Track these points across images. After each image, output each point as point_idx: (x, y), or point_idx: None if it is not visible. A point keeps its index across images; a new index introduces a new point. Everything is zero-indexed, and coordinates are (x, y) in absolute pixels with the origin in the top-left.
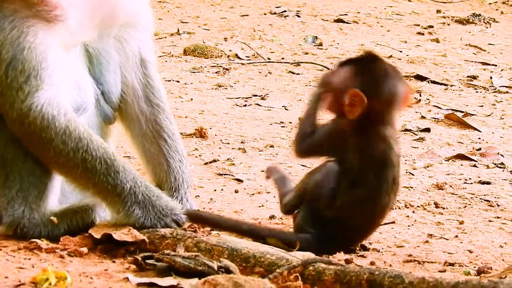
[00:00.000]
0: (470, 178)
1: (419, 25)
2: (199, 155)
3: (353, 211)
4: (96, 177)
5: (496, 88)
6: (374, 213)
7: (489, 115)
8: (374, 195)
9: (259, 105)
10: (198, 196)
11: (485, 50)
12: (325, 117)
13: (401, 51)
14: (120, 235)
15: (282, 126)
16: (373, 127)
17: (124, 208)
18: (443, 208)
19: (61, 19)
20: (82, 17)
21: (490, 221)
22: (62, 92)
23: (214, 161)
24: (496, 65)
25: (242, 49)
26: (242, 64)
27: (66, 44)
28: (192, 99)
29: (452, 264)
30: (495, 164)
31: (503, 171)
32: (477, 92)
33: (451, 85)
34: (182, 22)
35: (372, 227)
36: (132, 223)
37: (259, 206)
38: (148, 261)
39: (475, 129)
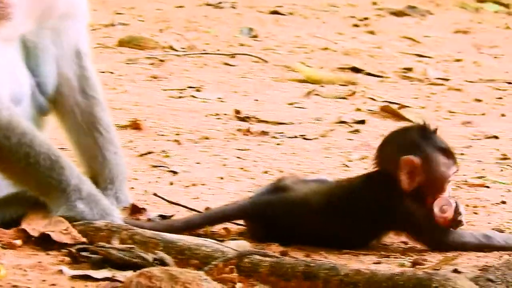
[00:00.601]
0: None
1: (354, 17)
2: (134, 147)
3: None
4: (40, 173)
5: (431, 80)
6: None
7: (424, 107)
8: None
9: (195, 97)
10: (133, 188)
11: (420, 42)
12: None
13: (336, 43)
14: (58, 235)
15: (218, 118)
16: None
17: (67, 203)
18: None
19: (10, 17)
20: (22, 10)
21: None
22: (2, 86)
23: (149, 153)
24: (431, 57)
25: (177, 40)
26: (178, 55)
27: (3, 37)
28: (127, 90)
29: (387, 256)
30: None
31: None
32: (412, 84)
33: (386, 77)
34: (117, 13)
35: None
36: (73, 216)
37: (194, 198)
38: (82, 253)
39: (410, 121)
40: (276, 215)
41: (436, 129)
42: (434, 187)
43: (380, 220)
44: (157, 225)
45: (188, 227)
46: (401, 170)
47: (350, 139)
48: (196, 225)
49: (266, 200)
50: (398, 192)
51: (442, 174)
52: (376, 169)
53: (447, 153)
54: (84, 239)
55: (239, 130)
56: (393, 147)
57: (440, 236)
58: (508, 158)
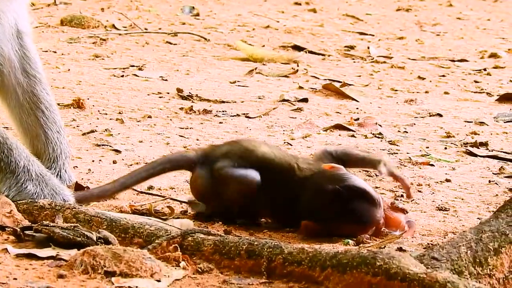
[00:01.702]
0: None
1: None
2: (77, 126)
3: None
4: None
5: (373, 58)
6: None
7: (367, 85)
8: None
9: (137, 76)
10: (76, 167)
11: (362, 20)
12: None
13: (278, 21)
14: (1, 218)
15: (160, 97)
16: None
17: (17, 185)
18: None
19: None
20: None
21: None
22: None
23: (92, 131)
24: (373, 35)
25: (119, 19)
26: (119, 34)
27: None
28: (69, 69)
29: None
30: (373, 134)
31: (381, 141)
32: (354, 62)
33: (329, 55)
34: None
35: None
36: (23, 199)
37: None
38: (27, 232)
39: (353, 99)
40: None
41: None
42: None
43: None
44: (107, 187)
45: (135, 180)
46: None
47: (293, 117)
48: (143, 178)
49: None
50: None
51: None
52: None
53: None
54: (26, 222)
55: (181, 108)
56: None
57: None
58: (452, 136)
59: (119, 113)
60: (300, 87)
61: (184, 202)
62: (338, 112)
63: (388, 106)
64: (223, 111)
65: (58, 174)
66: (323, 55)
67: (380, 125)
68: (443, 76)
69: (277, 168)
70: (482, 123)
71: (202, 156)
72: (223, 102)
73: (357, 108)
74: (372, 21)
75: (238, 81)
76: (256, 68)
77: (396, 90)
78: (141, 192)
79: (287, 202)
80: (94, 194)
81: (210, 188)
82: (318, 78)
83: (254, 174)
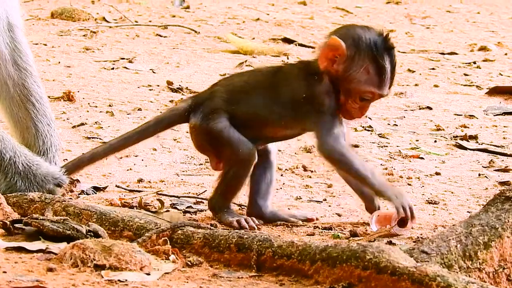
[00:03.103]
0: None
1: None
2: (67, 119)
3: None
4: None
5: None
6: None
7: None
8: None
9: (127, 68)
10: (66, 159)
11: (352, 13)
12: None
13: (268, 14)
14: None
15: (150, 89)
16: None
17: (5, 179)
18: (311, 171)
19: None
20: None
21: None
22: None
23: (82, 124)
24: None
25: (110, 12)
26: (110, 27)
27: None
28: (59, 62)
29: (320, 228)
30: (363, 127)
31: (371, 134)
32: None
33: None
34: None
35: None
36: (10, 190)
37: (127, 170)
38: (16, 225)
39: None
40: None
41: (392, 46)
42: (348, 89)
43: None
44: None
45: (125, 143)
46: (325, 47)
47: None
48: (134, 140)
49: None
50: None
51: (357, 81)
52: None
53: (380, 69)
54: (16, 215)
55: (171, 101)
56: (341, 32)
57: (332, 133)
58: (442, 129)
59: (109, 105)
60: None
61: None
62: None
63: None
64: None
65: None
66: (313, 47)
67: (370, 118)
68: (433, 69)
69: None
70: (471, 116)
71: (193, 103)
72: None
73: None
74: (362, 14)
75: (228, 74)
76: (246, 61)
77: None
78: (131, 191)
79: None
80: (85, 159)
81: (208, 142)
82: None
83: (249, 145)
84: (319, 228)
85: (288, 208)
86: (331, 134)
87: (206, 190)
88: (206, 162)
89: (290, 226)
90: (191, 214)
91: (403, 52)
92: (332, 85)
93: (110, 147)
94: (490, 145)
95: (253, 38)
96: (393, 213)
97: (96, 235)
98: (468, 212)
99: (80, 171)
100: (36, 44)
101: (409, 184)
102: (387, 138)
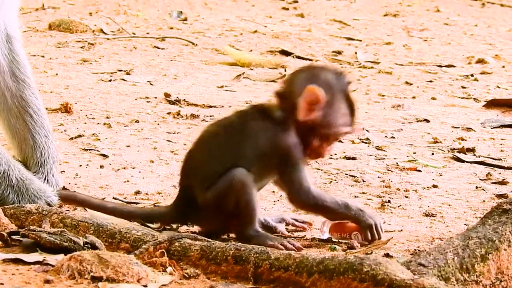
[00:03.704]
0: (335, 154)
1: (284, 0)
2: (65, 130)
3: None
4: None
5: (360, 63)
6: None
7: (354, 90)
8: None
9: (124, 80)
10: (64, 171)
11: (349, 25)
12: None
13: (266, 26)
14: None
15: (148, 101)
16: None
17: None
18: None
19: None
20: None
21: (355, 196)
22: None
23: (80, 136)
24: (360, 40)
25: (107, 23)
26: (107, 39)
27: None
28: (57, 74)
29: (318, 240)
30: (360, 139)
31: (368, 146)
32: (342, 67)
33: (316, 60)
34: None
35: None
36: (4, 203)
37: (125, 182)
38: (14, 236)
39: None
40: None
41: (351, 82)
42: (325, 134)
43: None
44: (89, 199)
45: (119, 213)
46: (304, 97)
47: None
48: (123, 216)
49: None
50: (287, 123)
51: (337, 124)
52: (278, 93)
53: (351, 108)
54: (13, 226)
55: (169, 113)
56: (306, 76)
57: (302, 186)
58: (439, 142)
59: (107, 117)
60: None
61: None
62: None
63: (376, 111)
64: (210, 116)
65: (45, 178)
66: (310, 60)
67: (367, 131)
68: (430, 81)
69: None
70: (469, 129)
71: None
72: (211, 106)
73: None
74: (359, 26)
75: (225, 86)
76: (243, 73)
77: (383, 96)
78: (128, 203)
79: None
80: (78, 198)
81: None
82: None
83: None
84: (316, 240)
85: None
86: (302, 188)
87: None
88: None
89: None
90: (188, 226)
91: (401, 65)
92: (300, 131)
93: (104, 206)
94: (488, 157)
95: (251, 50)
96: (349, 224)
97: (93, 247)
98: (465, 224)
99: (68, 204)
100: (34, 55)
101: (407, 197)
102: (384, 151)
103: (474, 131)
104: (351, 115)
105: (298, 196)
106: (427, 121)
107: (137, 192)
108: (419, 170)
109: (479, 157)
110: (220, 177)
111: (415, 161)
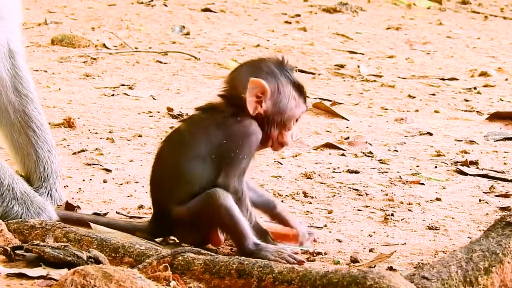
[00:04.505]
0: (338, 167)
1: (286, 14)
2: (68, 145)
3: None
4: None
5: (363, 76)
6: None
7: (357, 103)
8: None
9: (127, 95)
10: (67, 186)
11: (352, 39)
12: None
13: (268, 40)
14: None
15: (150, 116)
16: None
17: (2, 204)
18: (312, 197)
19: None
20: None
21: (359, 210)
22: None
23: (83, 151)
24: (363, 54)
25: (110, 38)
26: (110, 53)
27: None
28: (60, 89)
29: (321, 253)
30: (363, 153)
31: (371, 160)
32: (344, 81)
33: (319, 74)
34: (50, 12)
35: None
36: (8, 216)
37: (128, 196)
38: (17, 251)
39: (343, 118)
40: None
41: (295, 67)
42: (281, 121)
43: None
44: (86, 216)
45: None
46: (249, 92)
47: None
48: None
49: None
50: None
51: (290, 109)
52: (222, 93)
53: (300, 90)
54: (17, 241)
55: (171, 127)
56: (246, 71)
57: (237, 176)
58: (442, 155)
59: (110, 132)
60: None
61: None
62: (328, 131)
63: (378, 124)
64: None
65: (48, 193)
66: (313, 73)
67: (370, 144)
68: (433, 94)
69: None
70: (472, 142)
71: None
72: None
73: (347, 127)
74: (362, 39)
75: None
76: None
77: (386, 109)
78: (131, 217)
79: None
80: (73, 217)
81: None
82: (308, 97)
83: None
84: (319, 254)
85: None
86: (236, 178)
87: None
88: None
89: None
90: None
91: (404, 78)
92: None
93: (97, 220)
94: (491, 170)
95: None
96: (287, 231)
97: (97, 261)
98: (468, 237)
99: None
100: (37, 70)
101: (410, 210)
102: (387, 164)
103: (477, 144)
104: (300, 95)
105: (227, 183)
106: (430, 134)
107: (140, 207)
108: (422, 183)
109: (482, 170)
110: (192, 186)
111: (418, 174)
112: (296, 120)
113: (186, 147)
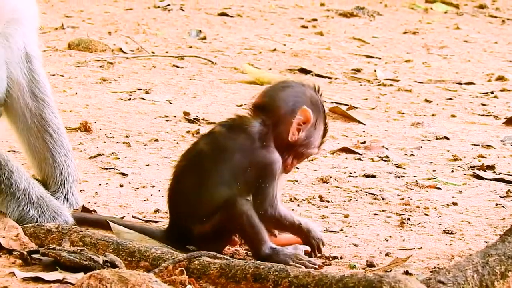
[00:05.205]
0: (355, 172)
1: (303, 18)
2: (84, 149)
3: None
4: None
5: (380, 81)
6: None
7: (374, 108)
8: None
9: (144, 99)
10: (83, 190)
11: (369, 43)
12: None
13: (285, 45)
14: (8, 241)
15: (167, 120)
16: None
17: (18, 208)
18: (328, 202)
19: None
20: None
21: (375, 214)
22: None
23: (99, 155)
24: (380, 58)
25: (126, 43)
26: (127, 58)
27: None
28: (76, 93)
29: (337, 258)
30: (379, 157)
31: (387, 164)
32: (361, 85)
33: (335, 78)
34: (66, 16)
35: None
36: (25, 220)
37: (144, 200)
38: (34, 255)
39: (360, 122)
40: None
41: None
42: (300, 153)
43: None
44: (102, 217)
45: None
46: (296, 119)
47: None
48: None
49: None
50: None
51: (313, 146)
52: (259, 105)
53: (325, 132)
54: (33, 245)
55: (188, 132)
56: (293, 94)
57: (273, 201)
58: (459, 159)
59: (126, 136)
60: None
61: None
62: (344, 135)
63: (395, 129)
64: None
65: (65, 197)
66: (329, 78)
67: (386, 148)
68: (450, 99)
69: None
70: (489, 146)
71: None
72: None
73: (364, 131)
74: (379, 44)
75: (244, 104)
76: None
77: (403, 113)
78: (148, 221)
79: None
80: (89, 219)
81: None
82: (325, 101)
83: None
84: (335, 258)
85: None
86: (272, 203)
87: None
88: None
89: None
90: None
91: (420, 82)
92: (277, 147)
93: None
94: (508, 175)
95: (270, 69)
96: (292, 239)
97: (113, 265)
98: (485, 242)
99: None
100: (53, 75)
101: (426, 214)
102: (404, 168)
103: (494, 148)
104: (323, 136)
105: (265, 209)
106: (447, 138)
107: (157, 211)
108: (439, 188)
109: (499, 174)
110: (214, 206)
111: (434, 178)
112: (309, 157)
113: (209, 171)
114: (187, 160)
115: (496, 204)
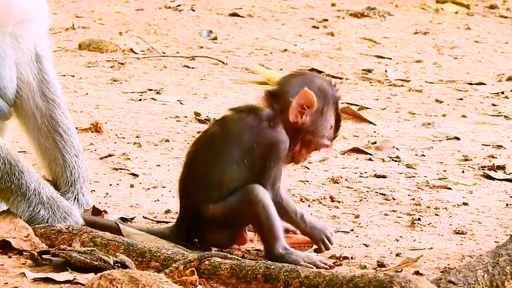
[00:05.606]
0: (365, 172)
1: (313, 18)
2: (95, 150)
3: None
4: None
5: (391, 81)
6: None
7: (384, 108)
8: None
9: (154, 100)
10: (94, 190)
11: (380, 44)
12: None
13: (296, 45)
14: (18, 241)
15: (178, 121)
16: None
17: (29, 208)
18: (339, 202)
19: None
20: None
21: (386, 214)
22: None
23: (110, 155)
24: (391, 58)
25: (137, 43)
26: (137, 58)
27: None
28: (87, 93)
29: (347, 258)
30: (390, 157)
31: (398, 164)
32: (372, 85)
33: (346, 79)
34: (77, 17)
35: None
36: (35, 220)
37: (155, 201)
38: (44, 256)
39: (371, 122)
40: None
41: (341, 97)
42: (308, 141)
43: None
44: (110, 223)
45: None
46: (297, 99)
47: None
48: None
49: None
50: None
51: (322, 134)
52: (270, 90)
53: (337, 124)
54: (44, 245)
55: (199, 132)
56: (302, 80)
57: (275, 183)
58: (470, 160)
59: (137, 137)
60: None
61: None
62: (355, 136)
63: (406, 129)
64: None
65: (75, 197)
66: (340, 78)
67: (397, 149)
68: (461, 99)
69: None
70: (499, 147)
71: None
72: None
73: (375, 132)
74: (389, 44)
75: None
76: None
77: (413, 114)
78: (158, 222)
79: None
80: (98, 223)
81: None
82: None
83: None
84: (346, 259)
85: None
86: (274, 186)
87: None
88: None
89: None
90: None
91: (431, 83)
92: (286, 132)
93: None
94: None
95: (281, 69)
96: (303, 239)
97: (124, 266)
98: (495, 242)
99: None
100: (64, 75)
101: (437, 215)
102: (414, 169)
103: (505, 148)
104: (335, 129)
105: (267, 191)
106: (458, 139)
107: (167, 211)
108: (449, 188)
109: (509, 174)
110: (226, 185)
111: (445, 179)
112: (318, 148)
113: (219, 151)
114: (198, 145)
115: (507, 204)
